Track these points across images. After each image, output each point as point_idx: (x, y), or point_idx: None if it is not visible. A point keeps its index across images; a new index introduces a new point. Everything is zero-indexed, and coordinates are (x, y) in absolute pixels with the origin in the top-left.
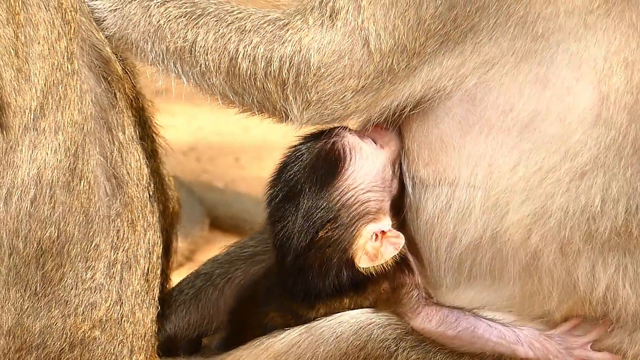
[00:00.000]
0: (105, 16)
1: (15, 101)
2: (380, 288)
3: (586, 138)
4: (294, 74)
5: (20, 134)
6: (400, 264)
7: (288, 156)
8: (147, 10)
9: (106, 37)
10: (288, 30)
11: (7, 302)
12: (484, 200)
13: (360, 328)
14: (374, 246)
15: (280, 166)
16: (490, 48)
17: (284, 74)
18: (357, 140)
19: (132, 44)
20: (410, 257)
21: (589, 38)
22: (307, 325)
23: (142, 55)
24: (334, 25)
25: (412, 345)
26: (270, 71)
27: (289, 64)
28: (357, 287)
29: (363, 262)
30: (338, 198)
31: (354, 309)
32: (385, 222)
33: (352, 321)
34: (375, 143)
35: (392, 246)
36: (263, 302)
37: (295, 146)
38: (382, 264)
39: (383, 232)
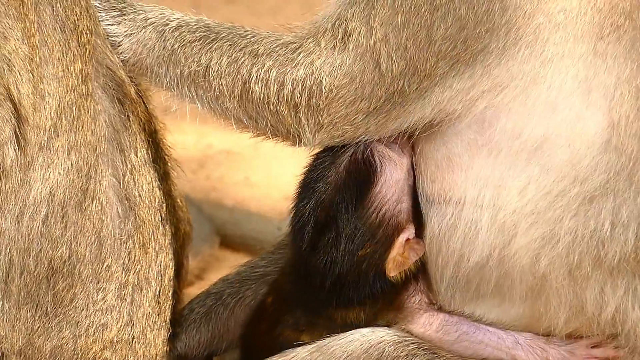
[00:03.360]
0: (121, 41)
1: (33, 117)
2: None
3: (596, 163)
4: (306, 97)
5: (35, 152)
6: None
7: (312, 173)
8: (162, 35)
9: (121, 61)
10: (300, 53)
11: (18, 321)
12: (491, 221)
13: (371, 346)
14: (401, 254)
15: (306, 185)
16: (499, 71)
17: (296, 97)
18: (383, 147)
19: (147, 68)
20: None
21: (599, 65)
22: (317, 344)
23: (157, 79)
24: (345, 47)
25: None
26: (283, 95)
27: (302, 87)
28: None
29: (393, 271)
30: (374, 215)
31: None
32: (411, 230)
33: (362, 339)
34: (399, 147)
35: (415, 252)
36: (276, 322)
37: (317, 161)
38: (405, 271)
39: (407, 240)
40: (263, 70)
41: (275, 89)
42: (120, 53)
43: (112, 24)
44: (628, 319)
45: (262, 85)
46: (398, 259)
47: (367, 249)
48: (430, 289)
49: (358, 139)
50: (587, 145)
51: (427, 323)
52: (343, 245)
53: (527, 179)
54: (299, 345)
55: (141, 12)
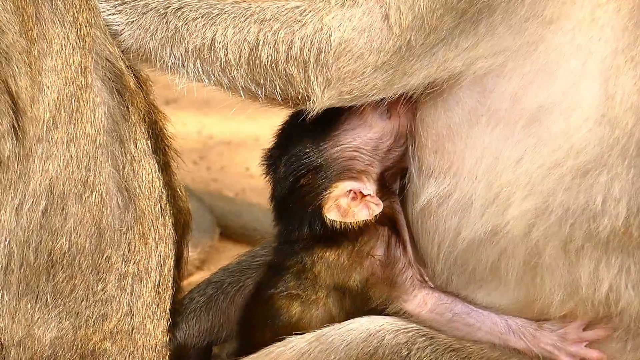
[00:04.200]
0: (123, 29)
1: (31, 109)
2: (368, 246)
3: (590, 136)
4: (315, 53)
5: (34, 144)
6: (394, 238)
7: (290, 117)
8: (164, 17)
9: (123, 50)
10: (309, 13)
11: (17, 313)
12: (486, 192)
13: (370, 335)
14: (348, 203)
15: (281, 125)
16: (502, 29)
17: (305, 54)
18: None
19: (151, 52)
20: (407, 236)
21: (596, 32)
22: (316, 333)
23: (162, 62)
24: (355, 2)
25: (424, 347)
26: (292, 54)
27: (310, 43)
28: (337, 238)
29: (331, 214)
30: (324, 150)
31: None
32: (367, 186)
33: (361, 328)
34: (387, 111)
35: (367, 210)
36: (266, 287)
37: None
38: (350, 224)
39: (363, 195)
40: (271, 33)
41: (284, 48)
42: (122, 41)
43: (114, 14)
44: (621, 298)
45: (270, 48)
46: (342, 204)
47: (309, 179)
48: (422, 265)
49: (366, 97)
50: (583, 117)
51: (422, 303)
52: (285, 163)
53: (523, 150)
54: (298, 334)
55: None
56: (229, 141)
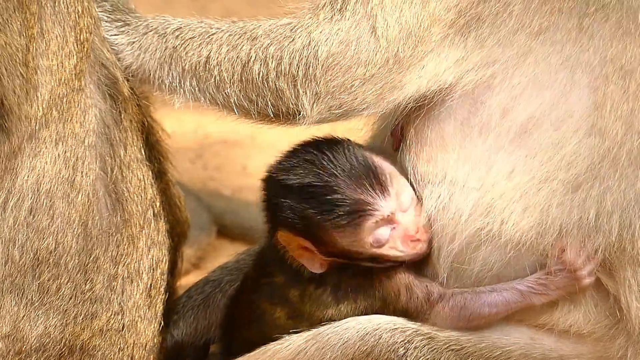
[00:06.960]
0: (124, 49)
1: (19, 108)
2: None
3: (581, 147)
4: (303, 67)
5: (24, 141)
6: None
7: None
8: (163, 37)
9: (125, 68)
10: (299, 29)
11: (1, 309)
12: (478, 203)
13: (367, 333)
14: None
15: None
16: (491, 41)
17: (293, 69)
18: None
19: (150, 72)
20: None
21: (584, 42)
22: (313, 331)
23: (160, 81)
24: (343, 16)
25: (421, 346)
26: (281, 69)
27: (299, 57)
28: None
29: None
30: None
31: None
32: None
33: (358, 327)
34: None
35: None
36: (254, 290)
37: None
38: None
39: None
40: (261, 49)
41: (273, 64)
42: (123, 60)
43: (116, 34)
44: (622, 308)
45: (261, 64)
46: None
47: None
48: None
49: (356, 112)
50: (573, 128)
51: (437, 319)
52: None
53: (515, 162)
54: (295, 332)
55: (144, 20)
56: (226, 140)
